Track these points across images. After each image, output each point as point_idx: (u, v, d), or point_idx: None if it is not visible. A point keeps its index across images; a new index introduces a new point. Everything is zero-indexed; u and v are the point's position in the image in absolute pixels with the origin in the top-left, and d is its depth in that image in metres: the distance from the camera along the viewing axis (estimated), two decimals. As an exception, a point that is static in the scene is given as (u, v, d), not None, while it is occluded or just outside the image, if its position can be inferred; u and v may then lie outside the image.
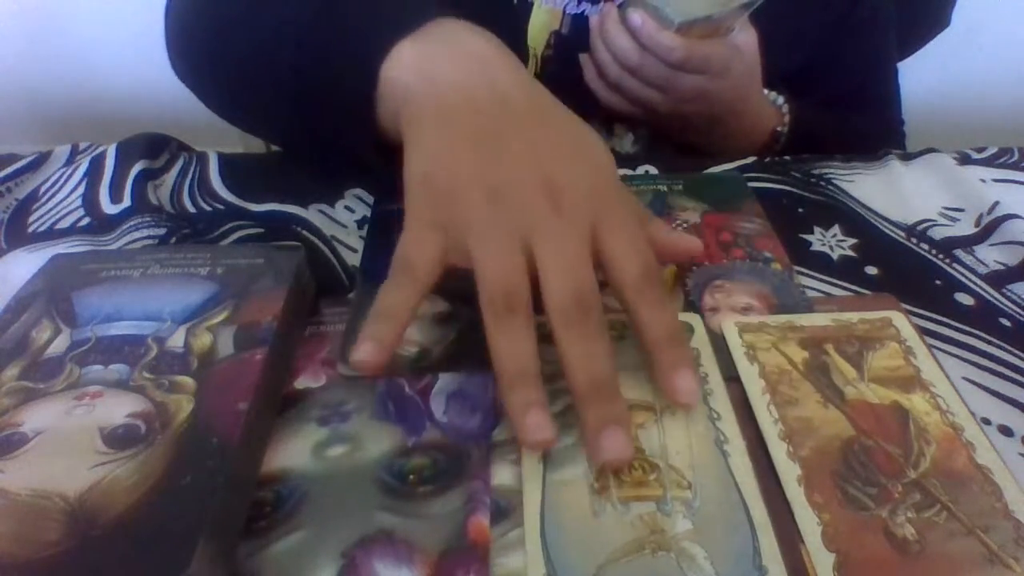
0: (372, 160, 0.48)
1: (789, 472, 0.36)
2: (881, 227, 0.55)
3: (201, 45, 0.56)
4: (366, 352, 0.36)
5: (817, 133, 0.71)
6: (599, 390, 0.35)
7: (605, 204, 0.39)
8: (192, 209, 0.56)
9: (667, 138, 0.71)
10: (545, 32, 0.69)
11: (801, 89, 0.73)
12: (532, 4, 0.68)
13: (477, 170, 0.39)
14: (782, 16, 0.66)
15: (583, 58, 0.66)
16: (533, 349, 0.36)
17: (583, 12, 0.67)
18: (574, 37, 0.68)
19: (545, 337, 0.42)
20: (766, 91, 0.71)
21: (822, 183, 0.59)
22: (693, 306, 0.46)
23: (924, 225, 0.55)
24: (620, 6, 0.63)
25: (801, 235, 0.53)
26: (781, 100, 0.71)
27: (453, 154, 0.40)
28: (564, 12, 0.67)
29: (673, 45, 0.60)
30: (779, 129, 0.71)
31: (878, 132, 0.80)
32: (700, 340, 0.43)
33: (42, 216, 0.55)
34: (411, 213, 0.39)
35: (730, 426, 0.38)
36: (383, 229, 0.53)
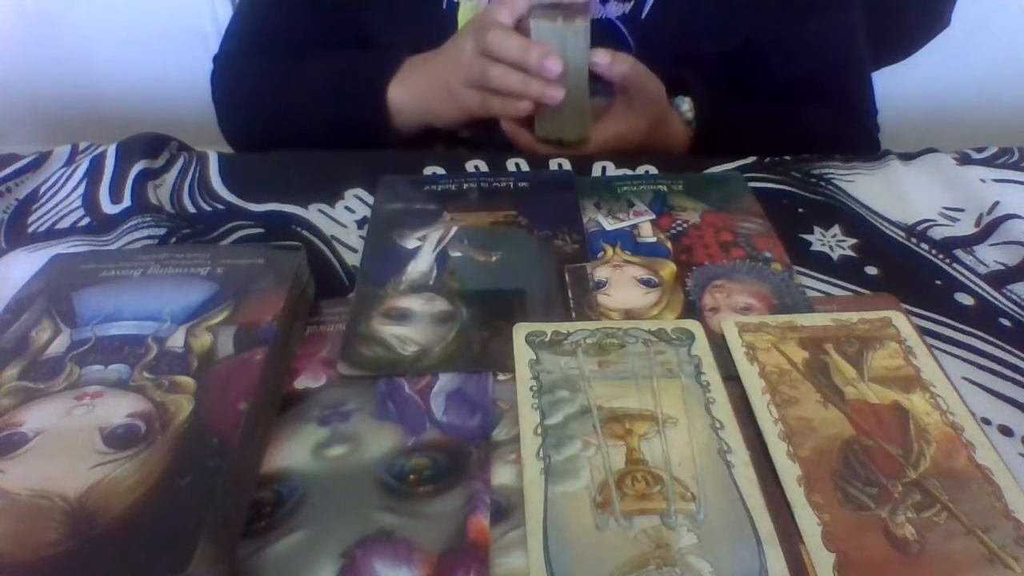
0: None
1: (789, 472, 0.36)
2: (881, 227, 0.55)
3: (256, 125, 0.75)
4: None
5: (734, 125, 0.68)
6: None
7: None
8: (192, 209, 0.56)
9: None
10: None
11: (745, 72, 0.70)
12: (459, 4, 0.68)
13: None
14: None
15: None
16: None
17: None
18: None
19: (551, 344, 0.43)
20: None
21: (822, 183, 0.59)
22: (693, 306, 0.46)
23: (924, 225, 0.55)
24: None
25: (801, 235, 0.53)
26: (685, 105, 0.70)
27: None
28: (489, 3, 0.67)
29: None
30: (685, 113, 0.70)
31: (834, 127, 0.74)
32: (701, 347, 0.42)
33: (42, 216, 0.55)
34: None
35: (733, 435, 0.38)
36: (383, 229, 0.53)
